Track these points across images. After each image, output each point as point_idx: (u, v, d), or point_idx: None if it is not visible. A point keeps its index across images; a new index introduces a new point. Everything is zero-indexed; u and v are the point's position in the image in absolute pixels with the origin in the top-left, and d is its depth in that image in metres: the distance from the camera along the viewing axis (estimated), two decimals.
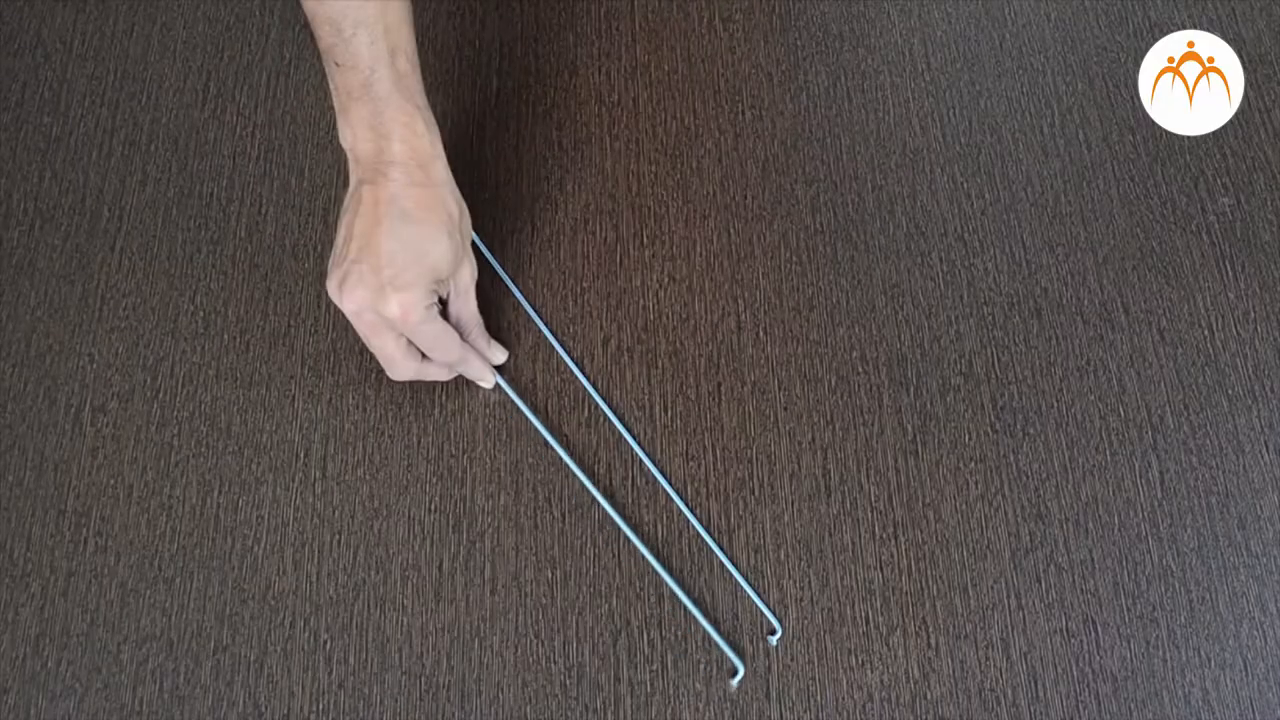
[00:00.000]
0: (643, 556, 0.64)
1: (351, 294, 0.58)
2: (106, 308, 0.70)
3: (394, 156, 0.58)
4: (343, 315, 0.59)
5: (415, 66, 0.59)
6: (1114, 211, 0.73)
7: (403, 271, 0.58)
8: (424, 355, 0.63)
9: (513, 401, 0.67)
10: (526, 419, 0.67)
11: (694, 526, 0.64)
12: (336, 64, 0.57)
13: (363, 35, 0.56)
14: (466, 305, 0.65)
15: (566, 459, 0.66)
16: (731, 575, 0.64)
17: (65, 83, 0.78)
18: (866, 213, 0.73)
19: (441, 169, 0.61)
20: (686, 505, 0.65)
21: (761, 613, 0.63)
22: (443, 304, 0.64)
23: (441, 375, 0.66)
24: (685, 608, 0.62)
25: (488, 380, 0.67)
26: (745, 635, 0.62)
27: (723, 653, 0.62)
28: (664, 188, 0.74)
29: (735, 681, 0.61)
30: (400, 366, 0.62)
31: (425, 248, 0.59)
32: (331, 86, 0.59)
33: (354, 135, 0.59)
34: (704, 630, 0.62)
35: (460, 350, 0.64)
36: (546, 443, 0.66)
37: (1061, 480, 0.66)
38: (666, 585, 0.63)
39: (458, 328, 0.65)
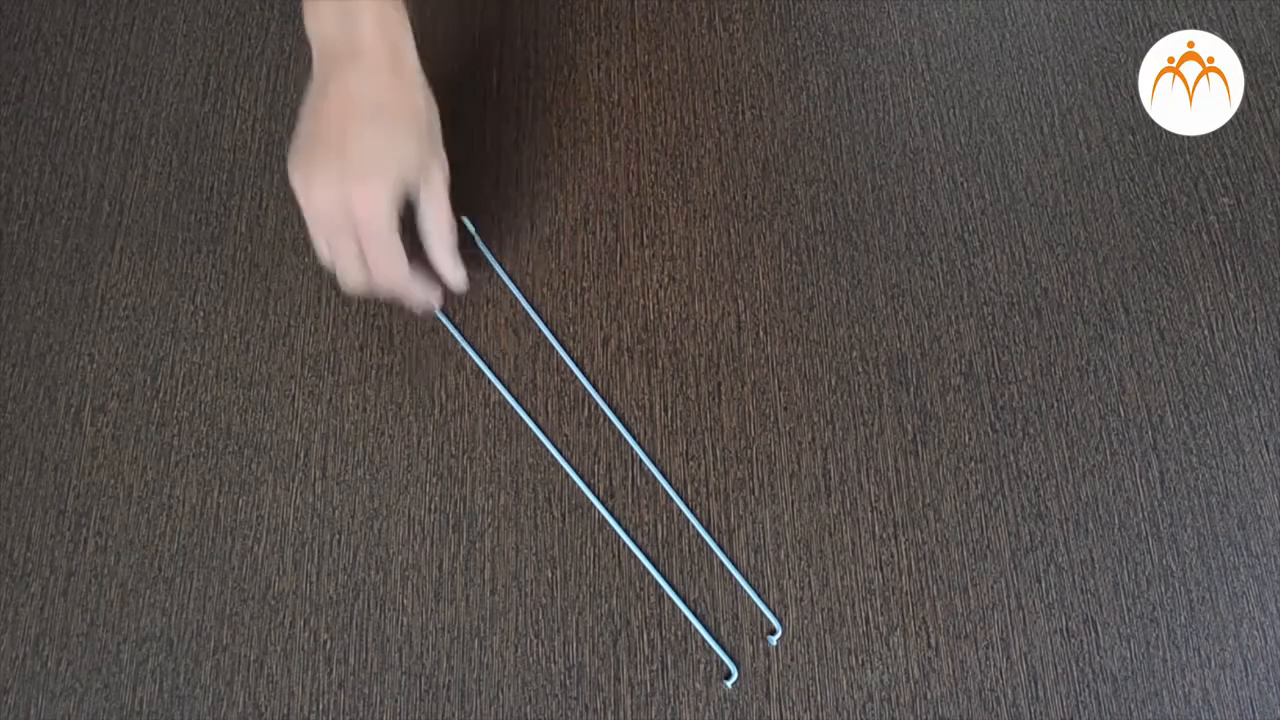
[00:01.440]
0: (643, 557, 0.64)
1: (318, 191, 0.56)
2: (106, 307, 0.70)
3: (364, 46, 0.56)
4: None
5: None
6: (1114, 211, 0.73)
7: (371, 169, 0.56)
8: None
9: (514, 401, 0.67)
10: (527, 419, 0.67)
11: (694, 526, 0.65)
12: None
13: None
14: (438, 208, 0.61)
15: (533, 425, 0.66)
16: (731, 575, 0.64)
17: (65, 76, 0.77)
18: (866, 213, 0.73)
19: (412, 61, 0.58)
20: (686, 505, 0.65)
21: (761, 613, 0.63)
22: (410, 211, 0.61)
23: (389, 294, 0.62)
24: (683, 610, 0.63)
25: (428, 306, 0.65)
26: (745, 635, 0.62)
27: (723, 653, 0.62)
28: (664, 188, 0.74)
29: (729, 684, 0.61)
30: (355, 276, 0.59)
31: (394, 145, 0.57)
32: None
33: (321, 21, 0.56)
34: (705, 630, 0.62)
35: (404, 278, 0.60)
36: (548, 441, 0.66)
37: (1061, 480, 0.66)
38: (666, 585, 0.63)
39: (426, 233, 0.62)
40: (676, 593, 0.63)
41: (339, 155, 0.56)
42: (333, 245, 0.58)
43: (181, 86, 0.77)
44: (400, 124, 0.58)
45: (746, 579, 0.64)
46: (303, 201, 0.57)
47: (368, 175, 0.56)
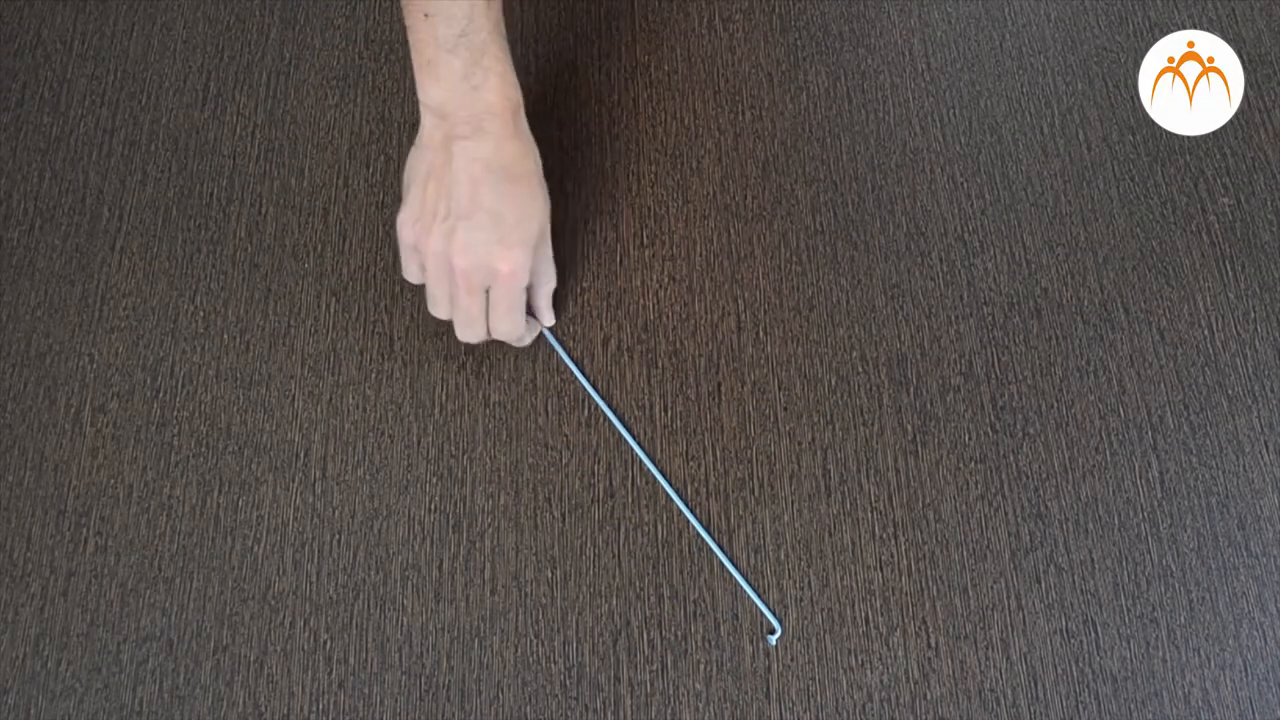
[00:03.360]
0: (643, 556, 0.64)
1: (466, 251, 0.58)
2: (106, 308, 0.70)
3: (489, 107, 0.57)
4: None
5: (501, 9, 0.58)
6: (1114, 211, 0.73)
7: (514, 229, 0.58)
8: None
9: (512, 402, 0.67)
10: (525, 419, 0.67)
11: (694, 526, 0.64)
12: (426, 15, 0.55)
13: None
14: (549, 260, 0.65)
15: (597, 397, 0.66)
16: (731, 575, 0.63)
17: (65, 83, 0.78)
18: (866, 213, 0.73)
19: (524, 118, 0.60)
20: (686, 505, 0.65)
21: (761, 613, 0.63)
22: None
23: (504, 337, 0.64)
24: (703, 590, 0.63)
25: (524, 341, 0.67)
26: (745, 635, 0.62)
27: (723, 652, 0.62)
28: (664, 188, 0.74)
29: (774, 639, 0.62)
30: (478, 328, 0.62)
31: (529, 204, 0.59)
32: (414, 41, 0.57)
33: (443, 89, 0.57)
34: (705, 629, 0.62)
35: (522, 328, 0.64)
36: (547, 443, 0.66)
37: (1061, 480, 0.66)
38: (668, 584, 0.63)
39: (537, 283, 0.64)
40: (680, 587, 0.63)
41: (479, 219, 0.58)
42: (460, 302, 0.61)
43: (181, 93, 0.77)
44: (534, 186, 0.60)
45: (746, 579, 0.63)
46: (437, 261, 0.59)
47: (510, 237, 0.58)
